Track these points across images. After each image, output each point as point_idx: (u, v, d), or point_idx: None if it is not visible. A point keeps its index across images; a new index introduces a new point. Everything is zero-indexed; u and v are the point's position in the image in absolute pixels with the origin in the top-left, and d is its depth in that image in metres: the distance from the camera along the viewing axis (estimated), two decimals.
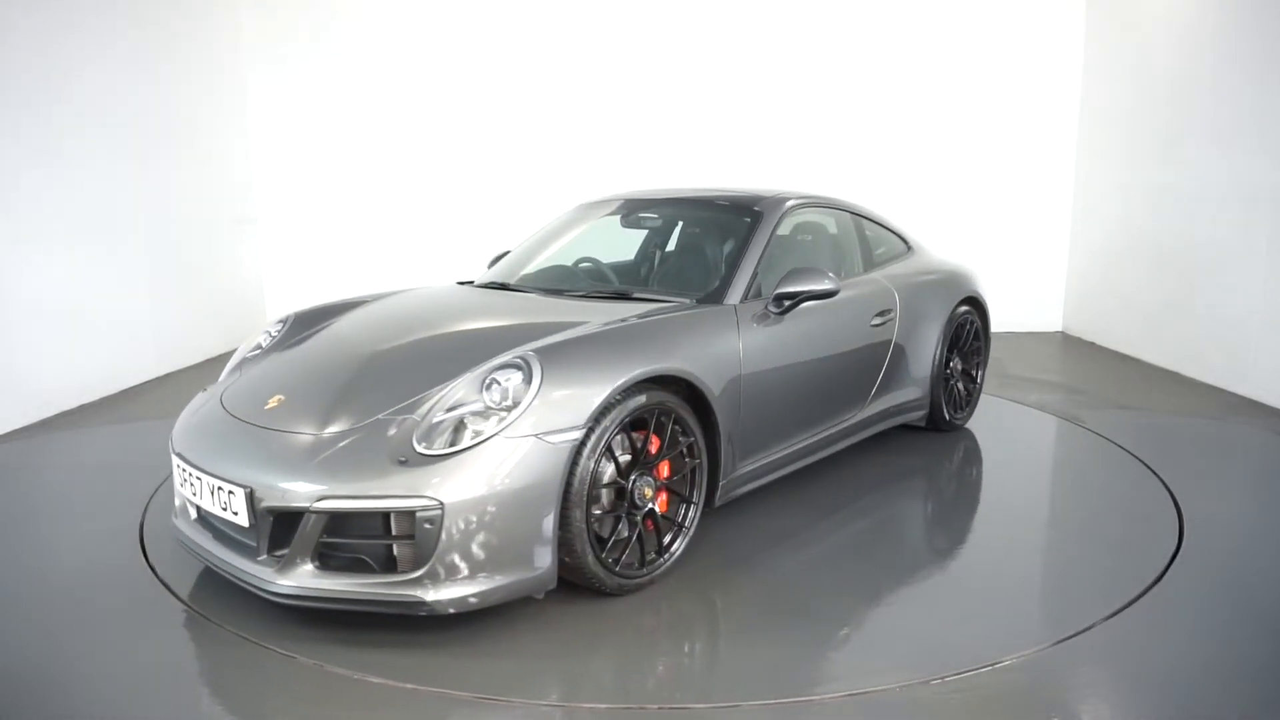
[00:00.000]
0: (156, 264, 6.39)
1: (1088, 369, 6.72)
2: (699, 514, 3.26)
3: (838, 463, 4.32)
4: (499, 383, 2.78)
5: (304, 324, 3.78)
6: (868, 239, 4.63)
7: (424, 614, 2.63)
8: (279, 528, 2.70)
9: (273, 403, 3.07)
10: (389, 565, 2.64)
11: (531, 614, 2.92)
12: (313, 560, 2.66)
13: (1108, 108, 7.57)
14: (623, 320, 3.25)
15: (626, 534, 2.99)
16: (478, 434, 2.67)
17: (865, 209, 4.79)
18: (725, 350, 3.34)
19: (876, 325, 4.21)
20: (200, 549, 2.96)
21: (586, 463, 2.78)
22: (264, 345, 3.69)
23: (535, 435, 2.68)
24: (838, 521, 3.75)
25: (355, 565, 2.66)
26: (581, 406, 2.76)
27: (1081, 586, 3.21)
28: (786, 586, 3.16)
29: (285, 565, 2.67)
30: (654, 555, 3.10)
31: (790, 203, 4.12)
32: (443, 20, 7.82)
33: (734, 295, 3.59)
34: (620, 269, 4.27)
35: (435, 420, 2.73)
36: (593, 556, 2.85)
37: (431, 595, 2.59)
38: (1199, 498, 3.96)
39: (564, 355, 2.88)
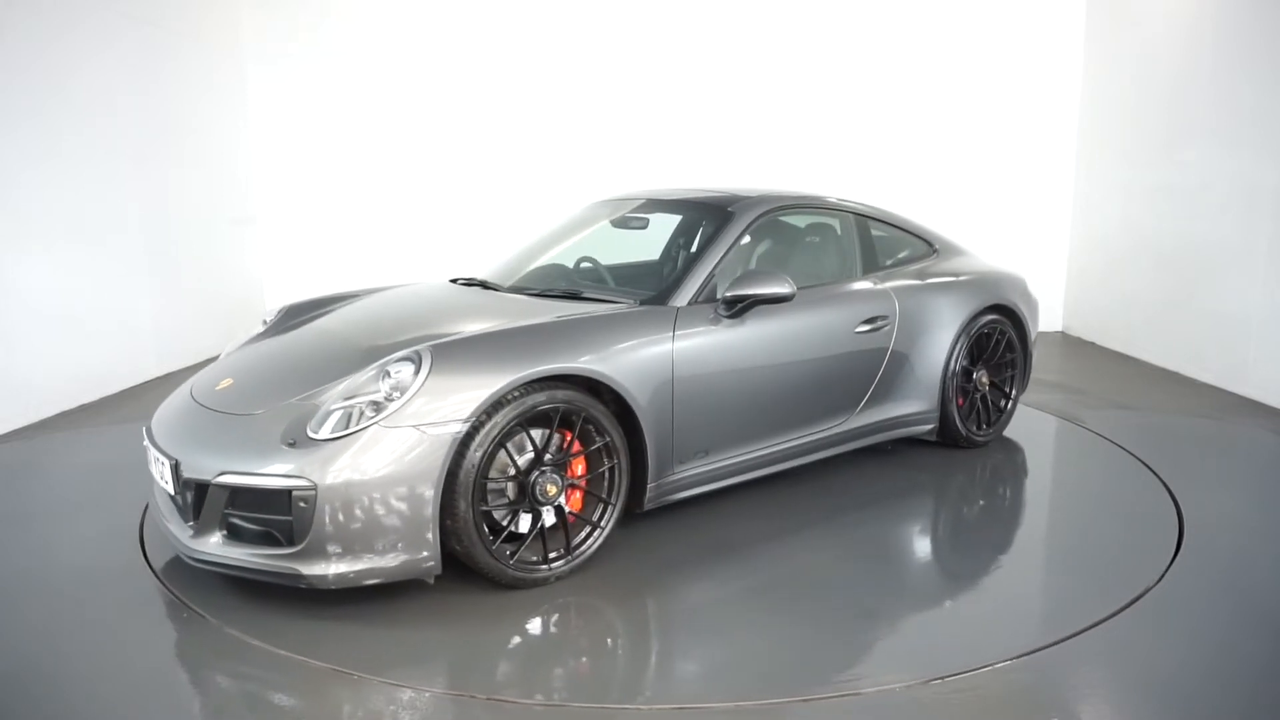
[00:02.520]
0: (156, 264, 6.39)
1: (1088, 369, 6.72)
2: (616, 515, 3.25)
3: (833, 469, 4.29)
4: (390, 374, 2.91)
5: (293, 315, 4.01)
6: (872, 241, 4.44)
7: (304, 586, 2.79)
8: (199, 498, 2.92)
9: (223, 385, 3.33)
10: (295, 540, 2.79)
11: (434, 599, 3.00)
12: (221, 529, 2.88)
13: (1108, 107, 7.57)
14: (541, 319, 3.30)
15: (527, 529, 3.06)
16: (364, 421, 2.80)
17: (878, 210, 4.59)
18: (653, 352, 3.29)
19: (864, 332, 4.04)
20: (159, 516, 3.17)
21: (474, 455, 2.85)
22: (256, 334, 3.90)
23: (414, 425, 2.78)
24: (837, 518, 3.75)
25: (265, 538, 2.84)
26: (466, 400, 2.84)
27: (1082, 586, 3.21)
28: (738, 589, 3.15)
29: (199, 533, 2.91)
30: (561, 552, 3.12)
31: (769, 205, 4.03)
32: (442, 19, 7.82)
33: (681, 297, 3.55)
34: (616, 270, 4.27)
35: (331, 407, 2.88)
36: (482, 547, 2.92)
37: (308, 570, 2.76)
38: (1199, 498, 3.96)
39: (457, 351, 2.98)
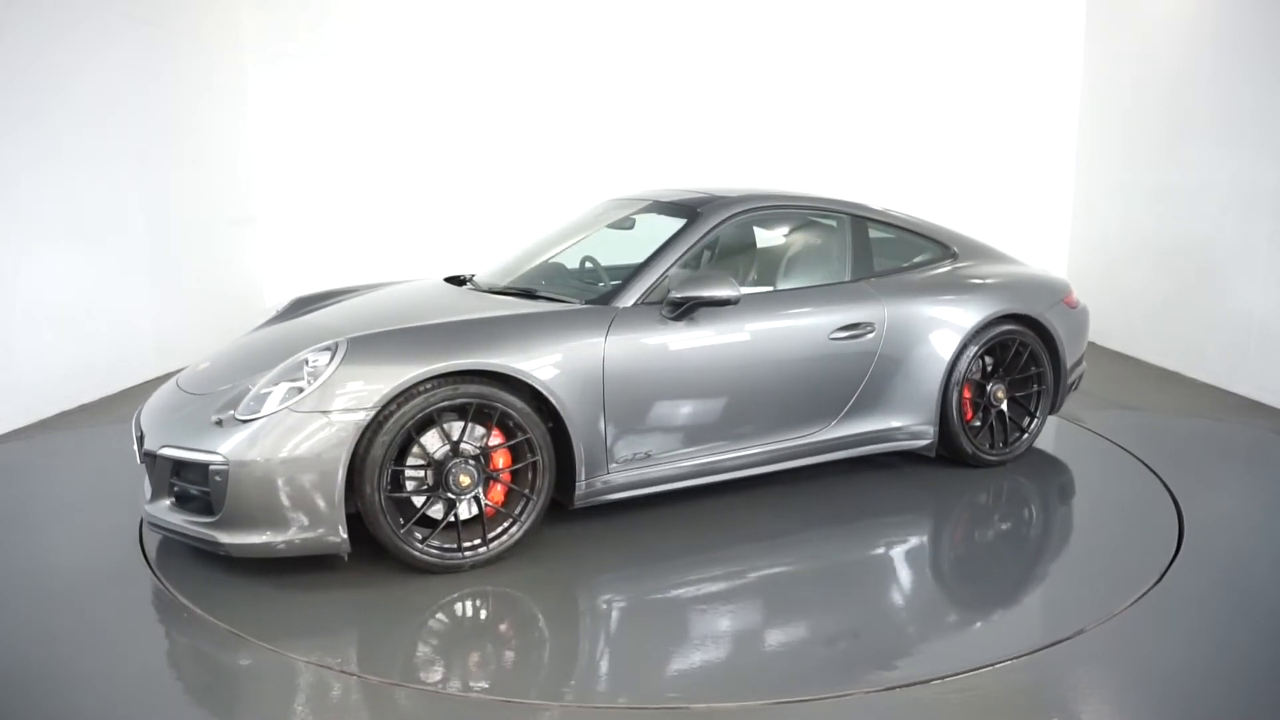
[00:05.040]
0: (156, 264, 6.38)
1: (1088, 369, 6.70)
2: (537, 510, 3.30)
3: (827, 479, 4.20)
4: (309, 362, 3.09)
5: (299, 306, 4.25)
6: (868, 244, 4.24)
7: (222, 554, 3.02)
8: (153, 467, 3.20)
9: (201, 367, 3.63)
10: (214, 510, 3.02)
11: (359, 579, 3.14)
12: (169, 496, 3.15)
13: (1108, 107, 7.57)
14: (467, 316, 3.41)
15: (441, 516, 3.18)
16: (279, 405, 3.01)
17: (884, 212, 4.39)
18: (581, 351, 3.32)
19: (842, 338, 3.88)
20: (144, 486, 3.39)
21: (381, 442, 3.00)
22: (262, 323, 4.17)
23: (321, 411, 2.96)
24: (828, 524, 3.75)
25: (206, 507, 3.06)
26: (372, 390, 2.99)
27: (1082, 586, 3.21)
28: (690, 593, 3.15)
29: (153, 498, 3.21)
30: (477, 542, 3.20)
31: (744, 206, 3.97)
32: (442, 19, 7.82)
33: (627, 298, 3.55)
34: (616, 271, 4.26)
35: (262, 391, 3.10)
36: (389, 530, 3.07)
37: (224, 538, 2.99)
38: (1199, 498, 3.96)
39: (372, 343, 3.14)
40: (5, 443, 4.82)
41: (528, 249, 4.50)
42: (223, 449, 2.96)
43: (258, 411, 3.02)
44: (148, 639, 2.83)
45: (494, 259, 4.59)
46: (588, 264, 4.26)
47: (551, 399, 3.23)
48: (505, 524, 3.26)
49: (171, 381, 3.65)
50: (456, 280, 4.39)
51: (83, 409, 5.51)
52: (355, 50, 7.83)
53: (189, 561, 3.29)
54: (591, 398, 3.33)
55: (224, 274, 7.44)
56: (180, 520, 3.09)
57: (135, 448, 3.31)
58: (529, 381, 3.19)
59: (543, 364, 3.23)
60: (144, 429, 3.30)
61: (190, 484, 3.08)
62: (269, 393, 3.07)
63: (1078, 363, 4.66)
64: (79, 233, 5.63)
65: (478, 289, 4.12)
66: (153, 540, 3.48)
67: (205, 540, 3.02)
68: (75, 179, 5.58)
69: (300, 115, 7.87)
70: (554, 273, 4.23)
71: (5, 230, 5.03)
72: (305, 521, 2.98)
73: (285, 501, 2.95)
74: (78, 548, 3.48)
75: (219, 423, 3.06)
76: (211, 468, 2.96)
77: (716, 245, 4.40)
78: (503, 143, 7.98)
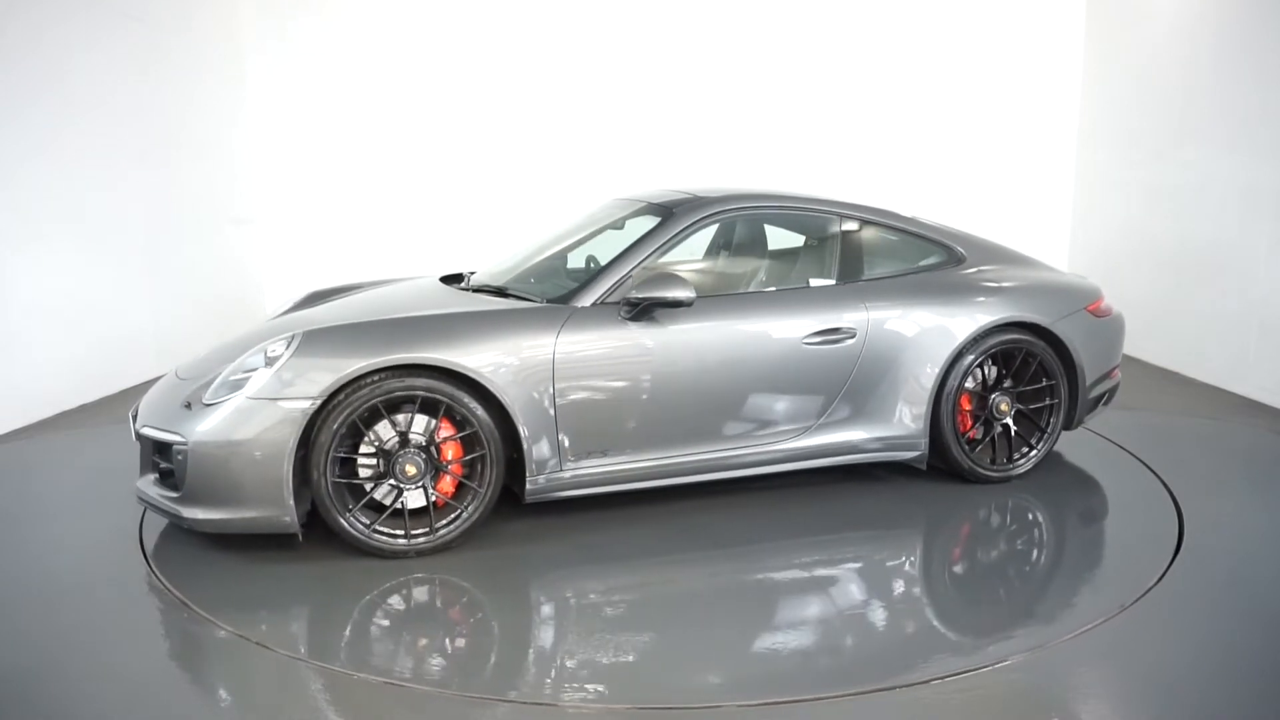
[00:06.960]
0: (156, 264, 6.38)
1: None
2: (484, 502, 3.37)
3: (816, 486, 4.14)
4: (267, 352, 3.27)
5: (312, 300, 4.36)
6: (859, 246, 4.11)
7: (186, 527, 3.24)
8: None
9: (201, 354, 3.81)
10: (179, 487, 3.22)
11: (324, 567, 3.26)
12: (153, 472, 3.39)
13: (1108, 107, 7.57)
14: (423, 312, 3.52)
15: (390, 501, 3.32)
16: (235, 391, 3.19)
17: (886, 214, 4.25)
18: (531, 349, 3.39)
19: (816, 344, 3.77)
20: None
21: (328, 430, 3.16)
22: (272, 317, 4.23)
23: (271, 399, 3.13)
24: (825, 527, 3.75)
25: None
26: (319, 380, 3.14)
27: (1082, 586, 3.21)
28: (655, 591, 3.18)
29: (142, 473, 3.45)
30: (424, 531, 3.32)
31: (720, 206, 3.93)
32: (442, 17, 7.82)
33: (587, 298, 3.58)
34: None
35: (231, 379, 3.28)
36: (335, 513, 3.22)
37: (187, 513, 3.19)
38: (1199, 498, 3.96)
39: (326, 335, 3.31)
40: (5, 443, 4.82)
41: (528, 249, 4.51)
42: (184, 431, 3.18)
43: (222, 396, 3.21)
44: (147, 640, 2.83)
45: (495, 258, 4.60)
46: (591, 264, 4.26)
47: (496, 393, 3.29)
48: (452, 514, 3.36)
49: (173, 369, 3.83)
50: (455, 278, 4.41)
51: (83, 409, 5.51)
52: (355, 48, 7.83)
53: (188, 560, 3.29)
54: (541, 394, 3.39)
55: (223, 274, 7.44)
56: (155, 494, 3.31)
57: (131, 425, 3.53)
58: (471, 375, 3.26)
59: (488, 360, 3.30)
60: (139, 410, 3.53)
61: (167, 461, 3.29)
62: (237, 379, 3.26)
63: (1105, 376, 4.38)
64: (78, 232, 5.63)
65: (466, 288, 4.16)
66: (152, 539, 3.49)
67: (171, 514, 3.23)
68: (73, 176, 5.58)
69: (300, 114, 7.87)
70: (548, 272, 4.23)
71: (4, 229, 5.03)
72: (256, 502, 3.15)
73: (238, 482, 3.12)
74: (78, 548, 3.48)
75: (188, 406, 3.29)
76: (175, 447, 3.18)
77: (731, 244, 4.44)
78: (505, 142, 7.98)
